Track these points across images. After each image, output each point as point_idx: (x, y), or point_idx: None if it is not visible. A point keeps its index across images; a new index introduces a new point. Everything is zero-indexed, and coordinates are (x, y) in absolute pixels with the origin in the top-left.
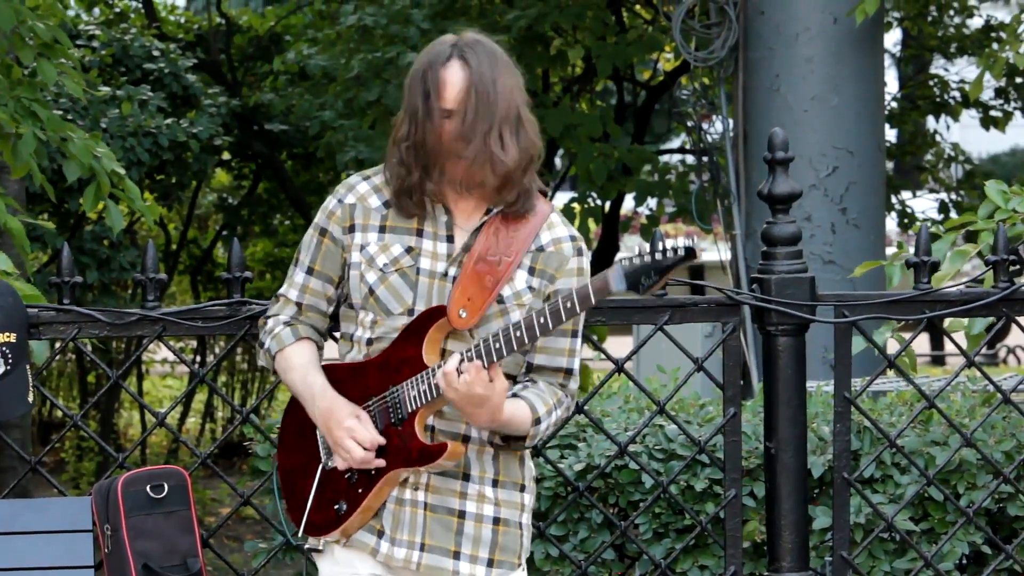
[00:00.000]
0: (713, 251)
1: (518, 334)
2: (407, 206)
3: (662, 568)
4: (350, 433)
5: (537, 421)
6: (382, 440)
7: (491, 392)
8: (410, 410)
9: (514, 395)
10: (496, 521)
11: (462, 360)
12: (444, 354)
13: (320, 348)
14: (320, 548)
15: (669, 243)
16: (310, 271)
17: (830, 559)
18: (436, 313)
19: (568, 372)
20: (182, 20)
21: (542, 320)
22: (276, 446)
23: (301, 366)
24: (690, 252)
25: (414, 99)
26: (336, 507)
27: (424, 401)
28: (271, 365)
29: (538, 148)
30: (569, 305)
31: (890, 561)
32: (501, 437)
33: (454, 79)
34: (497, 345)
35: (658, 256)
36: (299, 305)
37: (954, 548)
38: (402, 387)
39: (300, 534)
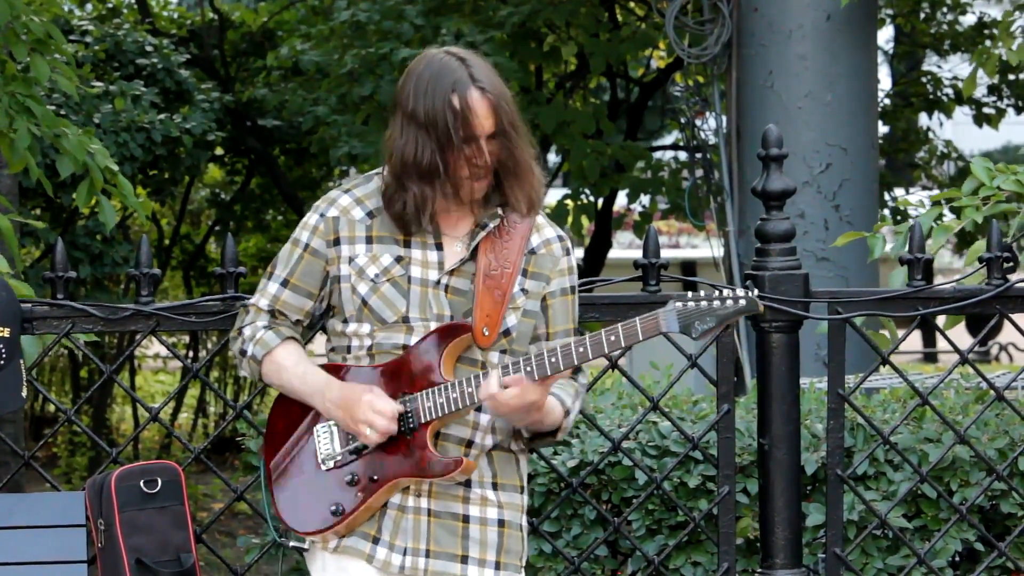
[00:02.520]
0: (706, 248)
1: (552, 360)
2: (405, 222)
3: (655, 565)
4: (371, 406)
5: (567, 413)
6: (400, 407)
7: (539, 397)
8: (423, 421)
9: None
10: (501, 523)
11: (503, 374)
12: (456, 368)
13: (304, 349)
14: (306, 547)
15: (727, 291)
16: (285, 283)
17: (823, 556)
18: (458, 329)
19: (578, 367)
20: (175, 16)
21: (580, 349)
22: (264, 441)
23: (296, 365)
24: (752, 304)
25: (438, 126)
26: (333, 508)
27: (439, 414)
28: (256, 372)
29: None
30: (613, 338)
31: (883, 558)
32: (529, 436)
33: (482, 104)
34: (528, 368)
35: (716, 303)
36: (271, 313)
37: (947, 545)
38: (416, 397)
39: (292, 531)
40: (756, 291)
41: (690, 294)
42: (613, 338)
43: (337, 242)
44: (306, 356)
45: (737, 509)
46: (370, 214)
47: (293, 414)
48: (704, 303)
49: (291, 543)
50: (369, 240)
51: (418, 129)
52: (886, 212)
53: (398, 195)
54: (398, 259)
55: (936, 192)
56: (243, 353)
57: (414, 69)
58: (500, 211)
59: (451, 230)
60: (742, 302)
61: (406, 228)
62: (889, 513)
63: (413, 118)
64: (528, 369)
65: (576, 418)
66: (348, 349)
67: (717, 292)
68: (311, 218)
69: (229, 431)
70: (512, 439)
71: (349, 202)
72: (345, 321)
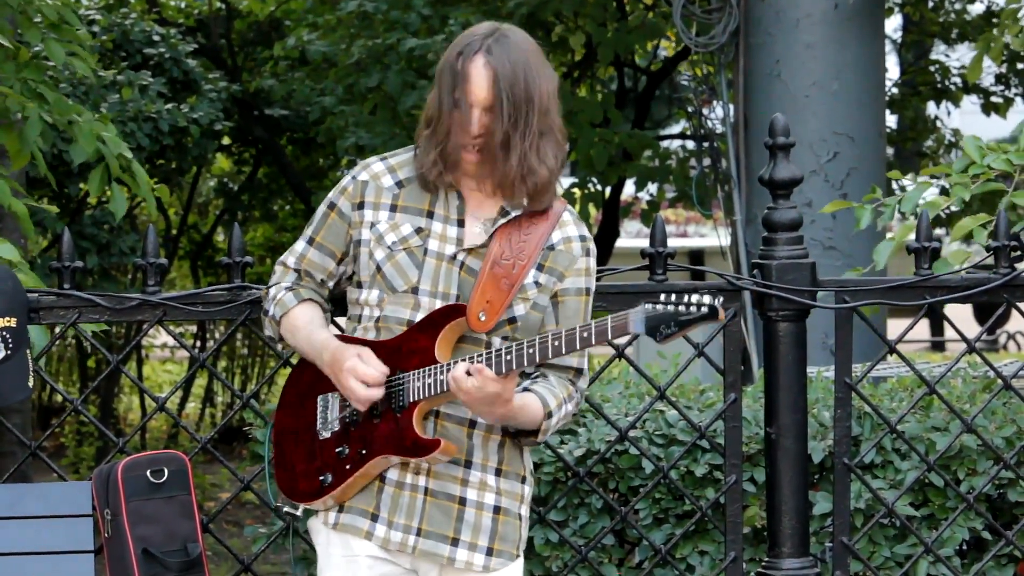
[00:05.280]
0: (713, 237)
1: (531, 351)
2: (427, 186)
3: (662, 554)
4: (352, 372)
5: (549, 415)
6: (386, 370)
7: (501, 390)
8: (412, 400)
9: (525, 389)
10: (497, 510)
11: (471, 363)
12: (455, 350)
13: (324, 311)
14: (298, 513)
15: (695, 297)
16: (311, 241)
17: (830, 544)
18: (455, 311)
19: (578, 371)
20: (182, 5)
21: (556, 343)
22: (276, 406)
23: (305, 325)
24: (713, 312)
25: (441, 89)
26: (321, 478)
27: (427, 394)
28: (276, 332)
29: (566, 156)
30: (585, 335)
31: (890, 547)
32: (512, 431)
33: (481, 74)
34: (508, 357)
35: (681, 308)
36: (297, 271)
37: (954, 534)
38: (408, 376)
39: (281, 498)
40: (721, 299)
41: (662, 296)
42: (586, 335)
43: (361, 206)
44: (320, 318)
45: (744, 498)
46: (399, 183)
47: (303, 382)
48: (671, 308)
49: (285, 508)
50: (393, 208)
51: (436, 83)
52: (890, 194)
53: (418, 156)
54: (418, 230)
55: (943, 181)
56: (266, 312)
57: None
58: (526, 202)
59: (476, 210)
60: (704, 309)
61: (427, 186)
62: (896, 502)
63: (436, 75)
64: (508, 359)
65: (563, 423)
66: (360, 319)
67: (685, 297)
68: (344, 179)
69: (236, 421)
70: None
71: (381, 169)
72: (360, 286)
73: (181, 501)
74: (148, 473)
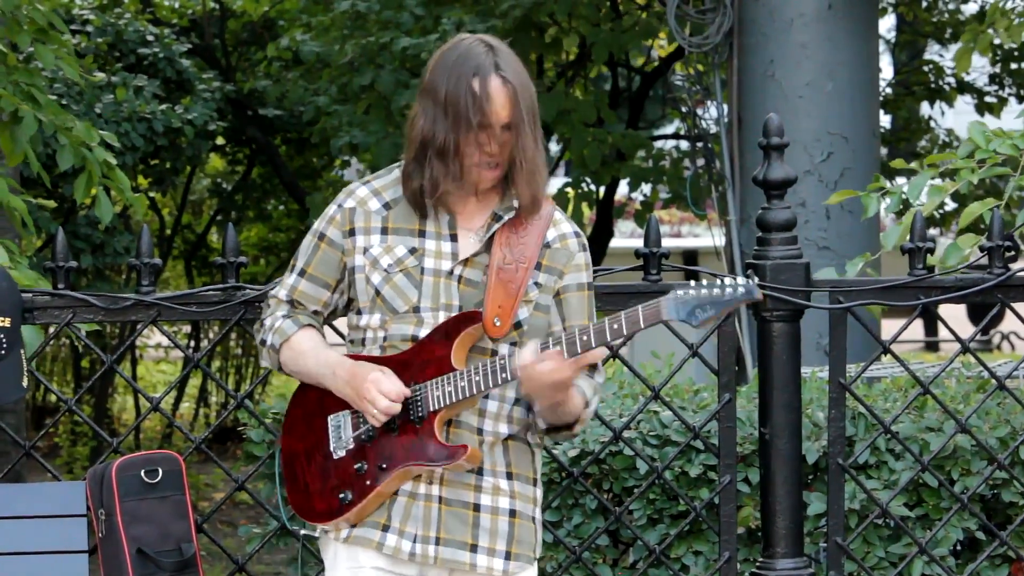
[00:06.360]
0: (707, 237)
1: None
2: (420, 204)
3: (656, 554)
4: (376, 384)
5: (587, 404)
6: (407, 391)
7: (572, 374)
8: (432, 409)
9: None
10: (512, 514)
11: (542, 349)
12: (469, 358)
13: (323, 336)
14: (316, 535)
15: (727, 279)
16: (302, 273)
17: (824, 545)
18: (470, 318)
19: (592, 365)
20: (176, 5)
21: (584, 337)
22: (281, 430)
23: (311, 348)
24: (750, 291)
25: (455, 111)
26: (341, 496)
27: (448, 402)
28: (276, 362)
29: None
30: (616, 326)
31: (884, 547)
32: (547, 428)
33: (501, 93)
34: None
35: (716, 291)
36: (290, 303)
37: (948, 534)
38: (425, 386)
39: (301, 520)
40: (756, 279)
41: (692, 282)
42: (616, 326)
43: (352, 232)
44: (323, 341)
45: (738, 498)
46: (387, 205)
47: (310, 405)
48: (704, 291)
49: (302, 531)
50: (384, 231)
51: (436, 109)
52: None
53: (416, 175)
54: (412, 250)
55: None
56: (263, 343)
57: (443, 52)
58: (516, 204)
59: (466, 223)
60: (740, 290)
61: (421, 210)
62: (890, 502)
63: (434, 99)
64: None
65: (591, 415)
66: (363, 342)
67: (718, 280)
68: (330, 209)
69: (230, 421)
70: (528, 431)
71: (366, 193)
72: (359, 312)
73: (175, 501)
74: (142, 473)
